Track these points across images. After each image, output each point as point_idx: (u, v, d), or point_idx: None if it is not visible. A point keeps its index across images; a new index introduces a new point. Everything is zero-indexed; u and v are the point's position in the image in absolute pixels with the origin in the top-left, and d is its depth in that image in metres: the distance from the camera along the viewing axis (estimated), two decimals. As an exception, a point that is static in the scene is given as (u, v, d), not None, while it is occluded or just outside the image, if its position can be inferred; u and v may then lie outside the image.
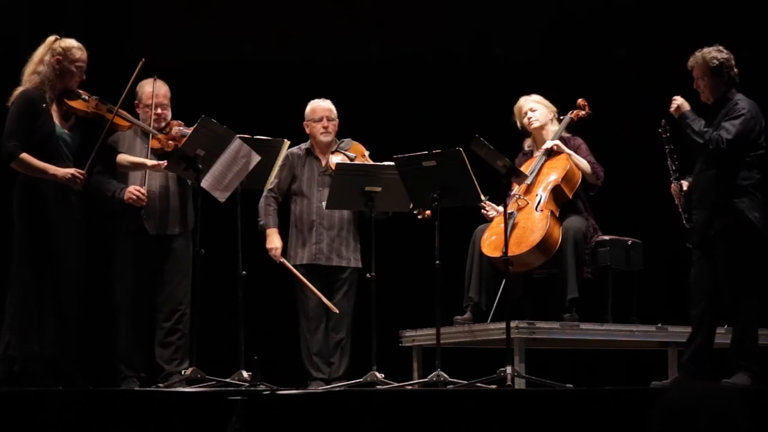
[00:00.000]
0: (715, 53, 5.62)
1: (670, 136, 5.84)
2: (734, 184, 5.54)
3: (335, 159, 6.44)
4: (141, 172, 6.19)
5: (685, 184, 5.86)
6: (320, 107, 6.58)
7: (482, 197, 6.00)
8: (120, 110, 5.81)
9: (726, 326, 6.38)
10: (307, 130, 6.60)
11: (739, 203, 5.52)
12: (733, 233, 5.54)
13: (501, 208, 6.13)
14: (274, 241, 6.46)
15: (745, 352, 5.55)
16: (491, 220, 6.32)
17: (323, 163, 6.53)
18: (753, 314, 5.58)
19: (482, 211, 6.32)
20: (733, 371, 5.55)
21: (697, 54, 5.65)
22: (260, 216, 6.52)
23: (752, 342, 5.57)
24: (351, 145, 6.58)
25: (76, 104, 5.71)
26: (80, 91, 5.75)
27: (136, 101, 6.26)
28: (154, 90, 6.19)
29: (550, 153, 6.37)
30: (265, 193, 6.50)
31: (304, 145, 6.61)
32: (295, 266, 6.47)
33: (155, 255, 6.20)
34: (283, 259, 6.45)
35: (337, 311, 6.36)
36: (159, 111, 6.19)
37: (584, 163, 6.31)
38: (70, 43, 5.68)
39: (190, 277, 6.12)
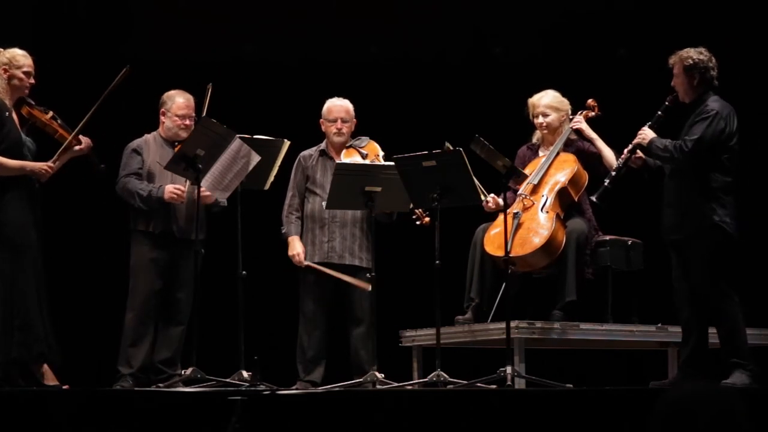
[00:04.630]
0: (693, 53, 5.66)
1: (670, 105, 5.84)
2: (705, 186, 5.56)
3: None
4: (169, 179, 6.23)
5: (640, 156, 5.85)
6: (336, 108, 6.53)
7: (482, 197, 6.00)
8: (75, 134, 5.92)
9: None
10: (323, 129, 6.57)
11: (708, 206, 5.54)
12: (700, 236, 5.55)
13: (501, 201, 6.13)
14: (296, 247, 6.42)
15: (738, 351, 5.55)
16: (491, 213, 6.29)
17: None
18: (734, 313, 5.57)
19: (482, 203, 6.28)
20: (729, 372, 5.55)
21: (678, 52, 5.70)
22: (282, 228, 6.51)
23: (741, 340, 5.58)
24: (367, 142, 6.56)
25: (36, 113, 5.87)
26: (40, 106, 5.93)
27: (163, 110, 6.34)
28: (186, 101, 6.34)
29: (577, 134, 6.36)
30: (287, 202, 6.51)
31: (317, 147, 6.58)
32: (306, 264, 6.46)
33: (175, 257, 6.23)
34: (306, 262, 6.42)
35: (369, 288, 6.22)
36: (188, 122, 6.32)
37: (609, 151, 6.29)
38: (13, 51, 5.84)
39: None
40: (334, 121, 6.50)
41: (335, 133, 6.49)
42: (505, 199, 5.83)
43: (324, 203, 6.28)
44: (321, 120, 6.57)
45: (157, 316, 6.27)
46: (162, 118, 6.37)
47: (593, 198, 5.98)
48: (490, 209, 6.28)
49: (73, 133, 5.88)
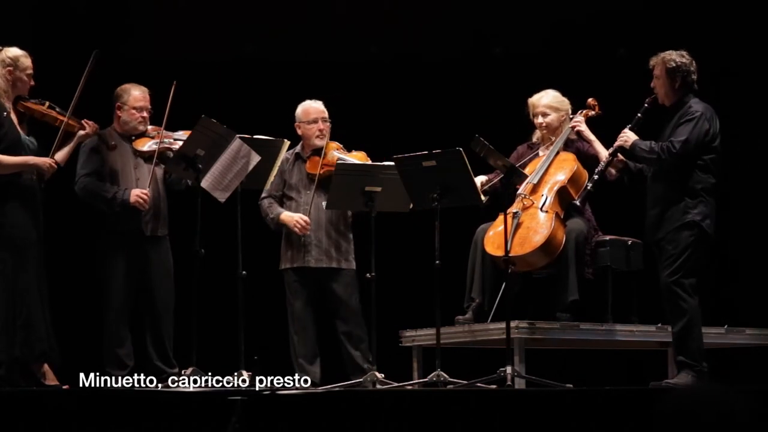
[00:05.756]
0: (675, 56, 5.72)
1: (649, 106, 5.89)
2: (687, 187, 5.61)
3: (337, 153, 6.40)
4: (133, 175, 6.22)
5: (621, 159, 5.93)
6: (314, 109, 6.47)
7: (482, 197, 5.99)
8: (71, 116, 5.90)
9: (726, 326, 6.40)
10: (299, 132, 6.49)
11: (689, 205, 5.57)
12: (677, 231, 5.58)
13: (484, 178, 6.19)
14: (292, 216, 6.33)
15: (688, 351, 5.57)
16: (491, 213, 6.28)
17: (307, 165, 6.45)
18: (692, 313, 5.58)
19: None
20: (678, 370, 5.61)
21: (660, 55, 5.76)
22: (268, 215, 6.42)
23: (695, 340, 5.59)
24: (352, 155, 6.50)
25: (32, 105, 5.84)
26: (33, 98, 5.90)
27: (119, 103, 6.29)
28: (143, 93, 6.29)
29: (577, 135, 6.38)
30: (263, 197, 6.45)
31: (293, 150, 6.49)
32: (285, 269, 6.43)
33: (147, 255, 6.24)
34: (307, 218, 6.31)
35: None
36: (145, 114, 6.28)
37: (606, 153, 6.29)
38: (16, 52, 5.81)
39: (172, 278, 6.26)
40: (315, 122, 6.42)
41: (318, 136, 6.42)
42: (505, 199, 5.84)
43: (301, 208, 6.31)
44: (297, 124, 6.49)
45: (140, 315, 6.27)
46: (118, 112, 6.30)
47: (576, 202, 6.10)
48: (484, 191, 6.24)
49: (67, 114, 5.84)
